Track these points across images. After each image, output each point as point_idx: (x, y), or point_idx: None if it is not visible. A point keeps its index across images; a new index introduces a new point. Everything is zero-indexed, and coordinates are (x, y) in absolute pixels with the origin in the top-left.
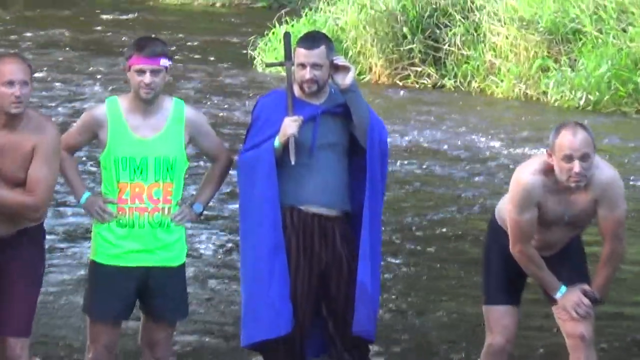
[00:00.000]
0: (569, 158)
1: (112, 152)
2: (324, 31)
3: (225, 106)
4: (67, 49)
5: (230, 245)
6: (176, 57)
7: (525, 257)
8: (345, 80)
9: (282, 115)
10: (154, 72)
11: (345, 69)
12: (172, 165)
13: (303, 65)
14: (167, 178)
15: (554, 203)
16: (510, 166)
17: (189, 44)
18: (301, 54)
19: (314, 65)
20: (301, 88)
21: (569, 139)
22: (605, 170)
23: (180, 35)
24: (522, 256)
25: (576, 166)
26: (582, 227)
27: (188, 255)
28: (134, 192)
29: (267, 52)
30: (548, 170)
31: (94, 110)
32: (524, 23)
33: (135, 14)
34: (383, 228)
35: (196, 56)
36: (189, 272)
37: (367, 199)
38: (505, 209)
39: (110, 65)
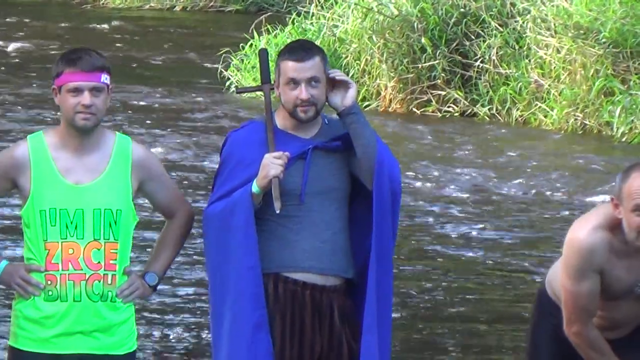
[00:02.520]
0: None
1: (36, 204)
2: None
3: (187, 145)
4: None
5: (192, 325)
6: (120, 79)
7: (584, 341)
8: (346, 99)
9: (261, 153)
10: (94, 91)
11: (345, 86)
12: (117, 220)
13: (295, 82)
14: (109, 236)
15: (621, 269)
16: (564, 221)
17: (139, 61)
18: (291, 68)
19: (310, 81)
20: (292, 115)
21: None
22: None
23: (129, 50)
24: (579, 339)
25: None
26: None
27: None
28: (66, 255)
29: (244, 71)
30: (613, 226)
31: (12, 151)
32: (581, 32)
33: (67, 23)
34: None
35: (148, 78)
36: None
37: (374, 259)
38: (558, 277)
39: (35, 91)
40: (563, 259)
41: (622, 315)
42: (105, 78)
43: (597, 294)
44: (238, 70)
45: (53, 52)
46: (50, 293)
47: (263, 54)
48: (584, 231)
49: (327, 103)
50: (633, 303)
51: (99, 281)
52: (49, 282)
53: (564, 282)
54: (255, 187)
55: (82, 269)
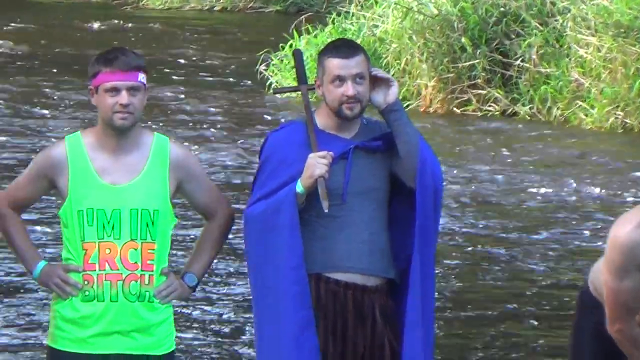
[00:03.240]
0: None
1: (74, 204)
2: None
3: (227, 145)
4: (17, 69)
5: (237, 324)
6: (158, 79)
7: (627, 338)
8: (388, 96)
9: (301, 153)
10: (131, 90)
11: (387, 83)
12: (154, 220)
13: (341, 79)
14: (147, 236)
15: None
16: (605, 220)
17: (178, 62)
18: (337, 65)
19: (356, 77)
20: (338, 112)
21: None
22: None
23: (168, 50)
24: (622, 336)
25: None
26: None
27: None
28: (103, 255)
29: (283, 71)
30: None
31: (50, 151)
32: (622, 30)
33: (107, 23)
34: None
35: (188, 79)
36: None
37: (417, 259)
38: (600, 275)
39: (77, 92)
40: (605, 256)
41: None
42: (142, 77)
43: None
44: (278, 71)
45: (93, 54)
46: (87, 293)
47: (298, 54)
48: (626, 228)
49: (369, 102)
50: None
51: (136, 281)
52: (86, 282)
53: (606, 280)
54: (299, 187)
55: (119, 269)
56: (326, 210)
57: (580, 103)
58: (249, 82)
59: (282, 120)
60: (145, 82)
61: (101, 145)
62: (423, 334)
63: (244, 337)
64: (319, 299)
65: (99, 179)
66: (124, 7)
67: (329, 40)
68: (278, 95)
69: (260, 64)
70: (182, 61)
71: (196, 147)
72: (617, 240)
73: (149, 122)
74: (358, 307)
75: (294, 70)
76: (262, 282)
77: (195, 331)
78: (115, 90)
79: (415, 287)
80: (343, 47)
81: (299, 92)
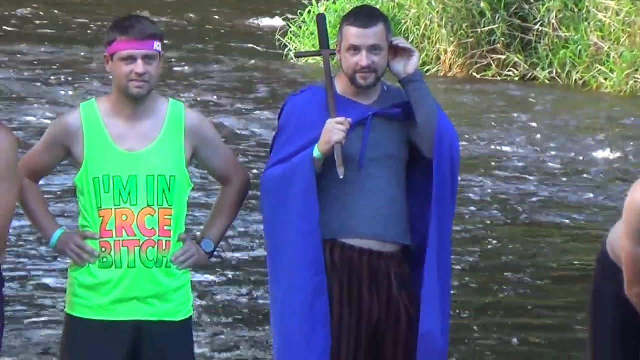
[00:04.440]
0: None
1: (90, 171)
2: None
3: (244, 112)
4: (29, 36)
5: (256, 291)
6: (177, 44)
7: None
8: (408, 67)
9: (321, 118)
10: (147, 59)
11: (408, 53)
12: (171, 186)
13: (356, 49)
14: (163, 202)
15: None
16: (624, 185)
17: (196, 26)
18: (353, 34)
19: (372, 48)
20: (352, 81)
21: None
22: None
23: (185, 14)
24: None
25: None
26: None
27: (198, 306)
28: (120, 222)
29: (302, 37)
30: None
31: (65, 119)
32: None
33: None
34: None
35: (203, 45)
36: (199, 325)
37: (434, 227)
38: (618, 237)
39: (87, 60)
40: (624, 220)
41: None
42: (157, 45)
43: None
44: (296, 37)
45: (106, 22)
46: (104, 260)
47: (321, 19)
48: None
49: (389, 70)
50: None
51: (153, 247)
52: (104, 249)
53: (624, 244)
54: (317, 152)
55: (135, 236)
56: (342, 177)
57: (600, 67)
58: (268, 48)
59: (303, 84)
60: (160, 49)
61: (116, 113)
62: (440, 304)
63: (261, 301)
64: (334, 265)
65: (115, 145)
66: None
67: (348, 6)
68: (298, 60)
69: (280, 31)
70: (203, 27)
71: (212, 112)
72: (634, 204)
73: (167, 88)
74: (373, 272)
75: (315, 35)
76: (277, 246)
77: (213, 295)
78: (131, 59)
79: (432, 257)
80: (362, 16)
81: (321, 57)
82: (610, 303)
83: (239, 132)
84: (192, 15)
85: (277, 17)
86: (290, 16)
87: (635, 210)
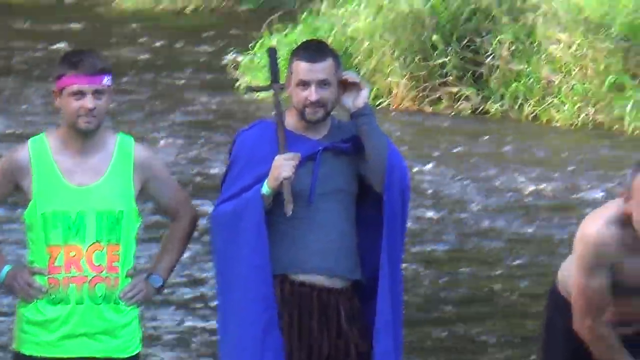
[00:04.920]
0: None
1: (39, 207)
2: (328, 41)
3: (195, 145)
4: None
5: (206, 325)
6: (129, 79)
7: (595, 337)
8: (358, 101)
9: (271, 153)
10: (96, 94)
11: (357, 87)
12: (118, 221)
13: (305, 84)
14: (112, 238)
15: (634, 264)
16: (575, 217)
17: (149, 61)
18: (302, 69)
19: (321, 83)
20: (301, 115)
21: None
22: None
23: (140, 49)
24: (590, 335)
25: None
26: None
27: (145, 342)
28: (68, 258)
29: (253, 70)
30: (625, 221)
31: (14, 154)
32: (592, 27)
33: (80, 24)
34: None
35: (158, 78)
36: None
37: (385, 260)
38: (569, 273)
39: (47, 94)
40: (575, 254)
41: (635, 311)
42: (107, 80)
43: (607, 289)
44: (247, 70)
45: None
46: (53, 296)
47: (272, 53)
48: (595, 226)
49: (339, 104)
50: None
51: (102, 283)
52: (52, 285)
53: (577, 277)
54: (265, 188)
55: (84, 272)
56: (289, 214)
57: (551, 100)
58: (220, 81)
59: (253, 119)
60: (110, 83)
61: (65, 147)
62: (394, 338)
63: (211, 337)
64: (284, 300)
65: (64, 180)
66: (96, 8)
67: (300, 39)
68: (248, 94)
69: (232, 64)
70: (152, 60)
71: (162, 146)
72: (586, 238)
73: (118, 121)
74: (323, 307)
75: (266, 68)
76: (228, 281)
77: (161, 332)
78: (81, 94)
79: (384, 291)
80: (311, 51)
81: (272, 91)
82: (561, 337)
83: (188, 166)
84: (144, 48)
85: (229, 50)
86: (242, 48)
87: (586, 243)
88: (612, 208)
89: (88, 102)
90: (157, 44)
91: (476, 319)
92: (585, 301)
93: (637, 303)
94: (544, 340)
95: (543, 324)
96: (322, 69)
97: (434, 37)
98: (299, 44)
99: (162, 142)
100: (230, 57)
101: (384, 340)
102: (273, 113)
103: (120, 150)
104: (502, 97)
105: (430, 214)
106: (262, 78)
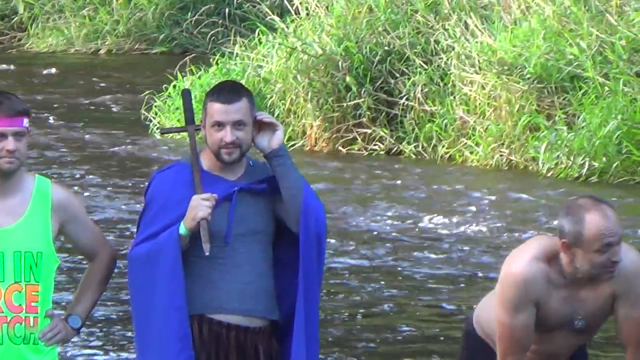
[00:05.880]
0: (607, 246)
1: None
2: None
3: (110, 187)
4: None
5: None
6: (43, 121)
7: None
8: (273, 141)
9: (187, 194)
10: (17, 135)
11: (272, 128)
12: (38, 262)
13: (220, 125)
14: (30, 278)
15: (558, 301)
16: (490, 257)
17: (61, 104)
18: (217, 110)
19: (236, 124)
20: (217, 156)
21: (604, 225)
22: (629, 256)
23: (52, 93)
24: None
25: (616, 254)
26: (592, 333)
27: None
28: None
29: (166, 112)
30: (550, 258)
31: None
32: (506, 68)
33: None
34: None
35: (71, 121)
36: None
37: (301, 302)
38: (488, 313)
39: None
40: (498, 292)
41: (558, 347)
42: (26, 122)
43: (533, 327)
44: (161, 112)
45: None
46: None
47: (186, 94)
48: (520, 263)
49: (253, 145)
50: (567, 335)
51: (21, 324)
52: None
53: (500, 316)
54: (182, 229)
55: (3, 312)
56: (207, 254)
57: (466, 141)
58: (133, 124)
59: (168, 161)
60: (28, 126)
61: None
62: None
63: None
64: (201, 340)
65: None
66: (9, 50)
67: (213, 81)
68: (163, 136)
69: (145, 106)
70: (65, 103)
71: (78, 188)
72: (511, 276)
73: (32, 164)
74: (241, 348)
75: (181, 110)
76: (145, 323)
77: None
78: (2, 136)
79: (299, 332)
80: (226, 92)
81: (187, 133)
82: None
83: (104, 208)
84: (54, 91)
85: (140, 92)
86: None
87: (511, 281)
88: (535, 245)
89: (10, 143)
90: (70, 85)
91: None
92: (508, 340)
93: (561, 339)
94: None
95: None
96: (237, 109)
97: (348, 78)
98: (214, 84)
99: (76, 183)
100: (144, 99)
101: None
102: (188, 155)
103: (38, 192)
104: (416, 138)
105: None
106: (175, 120)
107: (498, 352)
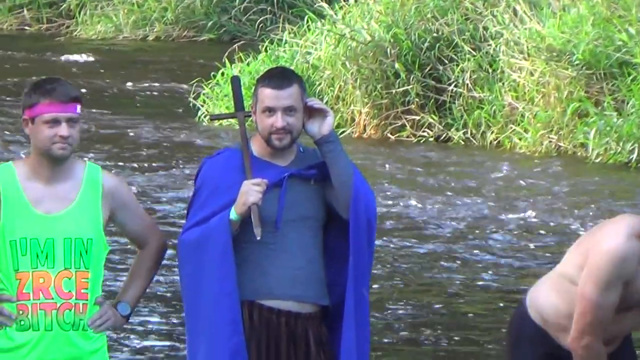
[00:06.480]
0: None
1: (7, 234)
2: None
3: (161, 174)
4: None
5: (174, 352)
6: (93, 109)
7: (593, 354)
8: (323, 127)
9: (237, 180)
10: (70, 122)
11: (322, 114)
12: (88, 249)
13: (271, 110)
14: (80, 265)
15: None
16: (541, 243)
17: (109, 91)
18: (268, 96)
19: (287, 110)
20: (267, 142)
21: None
22: None
23: (98, 80)
24: (588, 352)
25: None
26: None
27: None
28: (37, 284)
29: (215, 100)
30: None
31: None
32: (554, 54)
33: (40, 55)
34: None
35: (121, 108)
36: None
37: (351, 288)
38: (548, 300)
39: (7, 124)
40: (590, 269)
41: (624, 327)
42: (79, 108)
43: (615, 307)
44: (209, 100)
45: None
46: (22, 323)
47: (236, 81)
48: (618, 240)
49: (304, 131)
50: (637, 314)
51: (70, 310)
52: (21, 312)
53: (588, 293)
54: (233, 214)
55: (53, 298)
56: (258, 238)
57: (514, 127)
58: (181, 111)
59: (217, 148)
60: (80, 112)
61: (34, 175)
62: None
63: None
64: (252, 326)
65: (32, 208)
66: (58, 38)
67: (262, 68)
68: (212, 123)
69: (193, 94)
70: (115, 90)
71: (128, 175)
72: (608, 252)
73: (82, 151)
74: (291, 334)
75: (229, 97)
76: (195, 309)
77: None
78: (55, 122)
79: (349, 317)
80: (276, 78)
81: (236, 119)
82: None
83: (155, 194)
84: (104, 81)
85: (190, 80)
86: (203, 79)
87: (608, 257)
88: (627, 223)
89: (63, 129)
90: (118, 72)
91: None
92: (593, 318)
93: (628, 320)
94: None
95: (509, 352)
96: (288, 95)
97: (396, 65)
98: (264, 71)
99: (125, 170)
100: (192, 87)
101: None
102: (238, 141)
103: (89, 178)
104: (465, 124)
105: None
106: (223, 108)
107: (575, 330)
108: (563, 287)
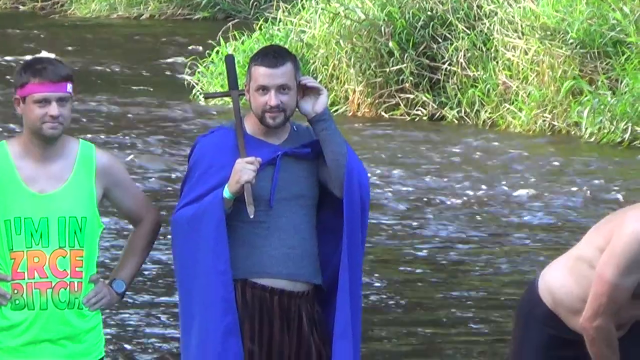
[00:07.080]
0: None
1: (1, 213)
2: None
3: (155, 152)
4: None
5: (169, 330)
6: (87, 87)
7: (604, 336)
8: (317, 106)
9: (231, 159)
10: (60, 101)
11: (316, 92)
12: (82, 227)
13: (265, 89)
14: (75, 243)
15: None
16: (533, 223)
17: (103, 69)
18: (262, 74)
19: (281, 88)
20: (261, 120)
21: None
22: None
23: (93, 58)
24: (600, 334)
25: None
26: None
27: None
28: (32, 263)
29: (209, 78)
30: None
31: None
32: (549, 33)
33: (36, 32)
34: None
35: (115, 86)
36: None
37: (345, 266)
38: (563, 282)
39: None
40: (613, 250)
41: (635, 314)
42: (70, 87)
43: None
44: (204, 77)
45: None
46: (17, 302)
47: (230, 59)
48: None
49: (297, 109)
50: None
51: (65, 289)
52: (16, 291)
53: (608, 274)
54: (226, 192)
55: (47, 277)
56: (251, 216)
57: (508, 106)
58: (175, 89)
59: (210, 126)
60: (72, 91)
61: (27, 154)
62: (352, 343)
63: (174, 344)
64: (245, 304)
65: (26, 187)
66: (52, 16)
67: (256, 46)
68: (206, 101)
69: (187, 72)
70: (108, 69)
71: (122, 153)
72: (632, 235)
73: (76, 130)
74: (285, 312)
75: (224, 75)
76: (189, 287)
77: (126, 337)
78: (45, 102)
79: (343, 296)
80: (270, 56)
81: (230, 97)
82: (540, 352)
83: (149, 172)
84: (95, 57)
85: (184, 58)
86: (197, 57)
87: (632, 240)
88: None
89: (53, 109)
90: (113, 51)
91: (436, 323)
92: (609, 299)
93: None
94: (517, 352)
95: (518, 334)
96: (281, 73)
97: (390, 43)
98: (258, 49)
99: (118, 148)
100: (185, 64)
101: (342, 345)
102: (232, 119)
103: (82, 156)
104: (458, 103)
105: (386, 220)
106: (218, 86)
107: (589, 310)
108: (581, 271)
